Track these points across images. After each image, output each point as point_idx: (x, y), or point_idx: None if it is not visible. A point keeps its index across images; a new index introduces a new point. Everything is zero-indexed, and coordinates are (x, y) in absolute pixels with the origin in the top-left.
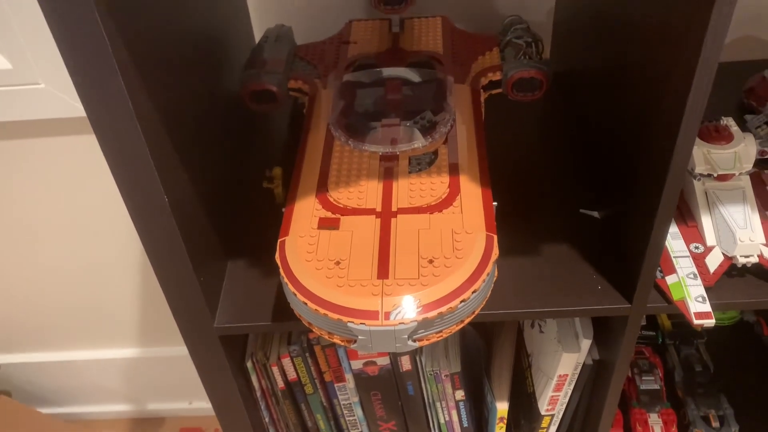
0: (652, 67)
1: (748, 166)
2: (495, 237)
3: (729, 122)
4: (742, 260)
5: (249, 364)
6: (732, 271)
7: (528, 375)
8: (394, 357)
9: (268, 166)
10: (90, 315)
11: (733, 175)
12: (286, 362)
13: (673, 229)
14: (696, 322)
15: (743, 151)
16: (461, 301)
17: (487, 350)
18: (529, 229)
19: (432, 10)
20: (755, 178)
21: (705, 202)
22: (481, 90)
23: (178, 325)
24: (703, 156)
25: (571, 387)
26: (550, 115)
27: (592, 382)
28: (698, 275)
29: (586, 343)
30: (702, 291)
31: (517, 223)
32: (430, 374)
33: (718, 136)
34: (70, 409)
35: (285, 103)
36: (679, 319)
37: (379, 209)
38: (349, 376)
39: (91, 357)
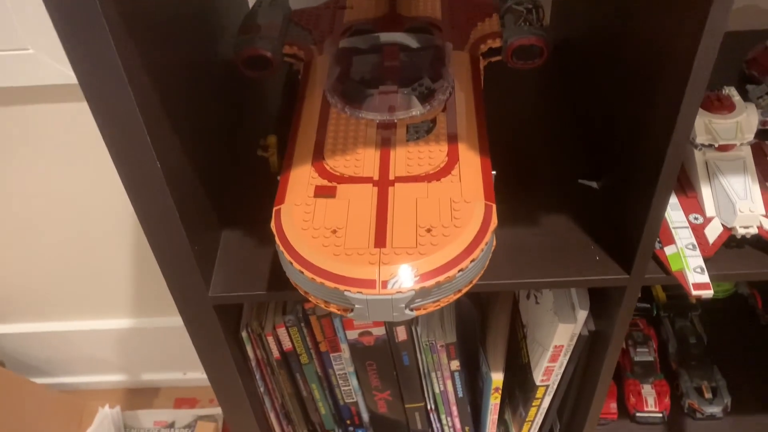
0: (656, 34)
1: (750, 136)
2: (494, 206)
3: (731, 92)
4: (741, 231)
5: (244, 334)
6: (731, 242)
7: (523, 346)
8: (390, 327)
9: (262, 134)
10: (84, 285)
11: (735, 145)
12: (281, 332)
13: (673, 200)
14: (694, 293)
15: (745, 121)
16: (459, 271)
17: (483, 321)
18: (528, 199)
19: None
20: (756, 148)
21: (705, 172)
22: (480, 57)
23: (173, 294)
24: (705, 126)
25: (567, 358)
26: (551, 83)
27: (587, 353)
28: (697, 246)
29: (582, 314)
30: (701, 262)
31: (516, 192)
32: (426, 344)
33: (720, 105)
34: (64, 379)
35: (279, 69)
36: (674, 291)
37: (376, 178)
38: (344, 346)
39: (85, 327)
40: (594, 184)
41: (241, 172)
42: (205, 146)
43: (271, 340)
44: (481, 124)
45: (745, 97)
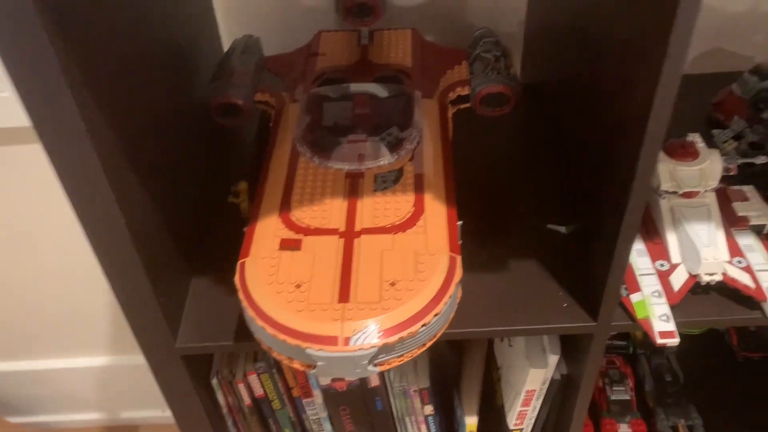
0: (618, 80)
1: (714, 183)
2: (458, 258)
3: (695, 138)
4: (706, 278)
5: (214, 382)
6: (697, 288)
7: (498, 388)
8: None
9: (233, 181)
10: (62, 323)
11: (699, 192)
12: (253, 379)
13: (640, 246)
14: (659, 341)
15: (709, 168)
16: (422, 325)
17: (458, 363)
18: (496, 246)
19: (402, 22)
20: (720, 194)
21: (670, 219)
22: (449, 105)
23: (140, 344)
24: (669, 173)
25: (539, 402)
26: (520, 129)
27: (560, 396)
28: (663, 293)
29: (553, 359)
30: (666, 309)
31: (484, 239)
32: (399, 390)
33: (684, 152)
34: (41, 418)
35: (251, 116)
36: None
37: (342, 229)
38: (317, 392)
39: (63, 365)
40: (562, 229)
41: (212, 218)
42: (174, 195)
43: (242, 387)
44: (448, 174)
45: (711, 141)
